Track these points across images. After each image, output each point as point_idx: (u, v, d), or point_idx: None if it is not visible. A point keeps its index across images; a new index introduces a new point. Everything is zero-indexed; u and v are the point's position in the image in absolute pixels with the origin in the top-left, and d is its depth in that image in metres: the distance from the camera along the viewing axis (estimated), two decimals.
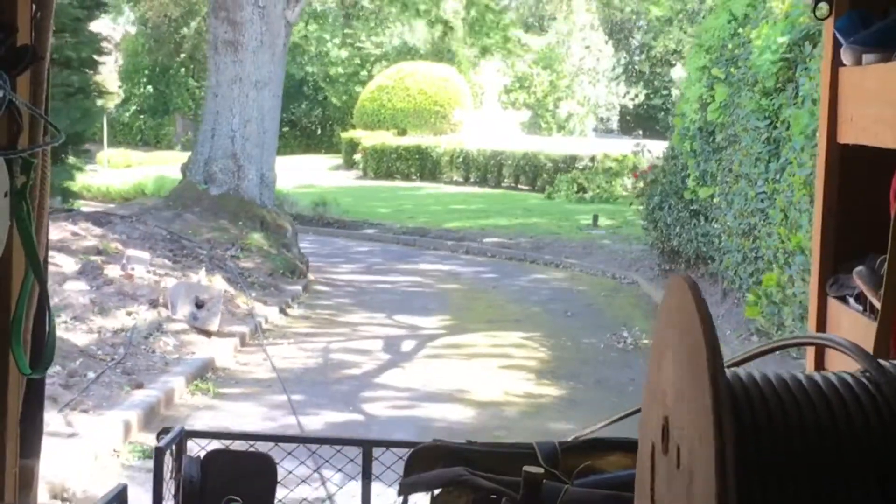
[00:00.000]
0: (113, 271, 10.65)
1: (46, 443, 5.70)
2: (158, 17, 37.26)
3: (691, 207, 12.75)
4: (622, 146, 26.81)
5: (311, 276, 14.40)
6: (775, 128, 8.92)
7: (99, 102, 16.19)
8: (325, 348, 10.43)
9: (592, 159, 25.38)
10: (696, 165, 12.10)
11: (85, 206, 17.65)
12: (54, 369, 7.77)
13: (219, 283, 11.35)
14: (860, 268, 2.36)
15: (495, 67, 37.96)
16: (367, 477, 2.75)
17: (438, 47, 34.59)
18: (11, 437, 2.32)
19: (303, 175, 27.22)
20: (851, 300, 2.51)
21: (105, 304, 9.57)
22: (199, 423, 7.67)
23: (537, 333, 11.50)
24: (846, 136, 2.57)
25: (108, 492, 2.40)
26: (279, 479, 2.69)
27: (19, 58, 2.17)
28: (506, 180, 27.25)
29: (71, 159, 15.48)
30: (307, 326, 11.57)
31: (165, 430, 2.67)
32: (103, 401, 7.38)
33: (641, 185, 16.56)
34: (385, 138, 30.68)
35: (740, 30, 11.03)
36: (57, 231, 12.14)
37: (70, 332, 8.65)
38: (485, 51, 20.04)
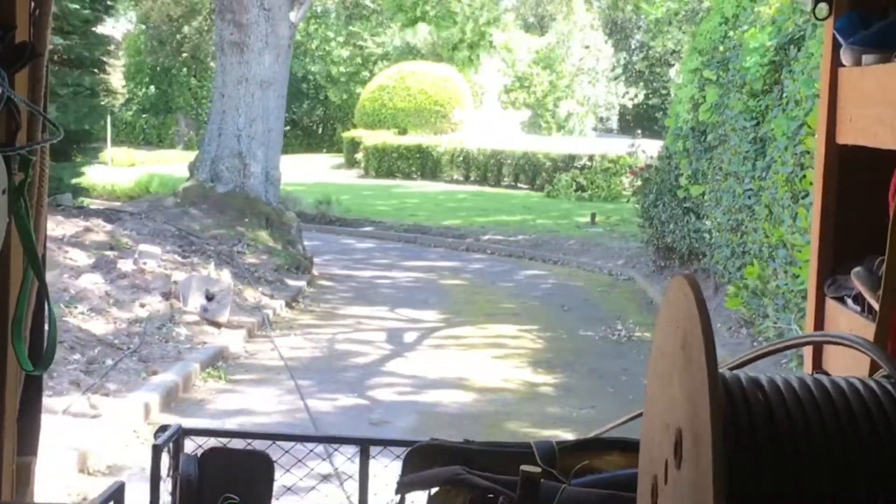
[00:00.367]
0: (125, 265, 11.05)
1: (72, 422, 6.15)
2: (160, 17, 37.56)
3: (684, 205, 13.16)
4: (621, 146, 27.20)
5: (315, 272, 14.80)
6: (762, 128, 9.32)
7: (105, 102, 16.55)
8: (330, 339, 10.83)
9: (591, 159, 25.78)
10: (689, 164, 12.52)
11: (91, 204, 18.04)
12: (74, 356, 8.19)
13: (226, 277, 11.74)
14: (858, 269, 2.37)
15: (496, 67, 38.32)
16: (364, 475, 2.75)
17: (439, 48, 34.94)
18: (9, 434, 2.31)
19: (305, 174, 27.58)
20: (849, 301, 2.51)
21: (119, 296, 9.99)
22: (213, 405, 8.11)
23: (535, 326, 11.90)
24: (845, 137, 2.56)
25: (105, 490, 2.41)
26: (276, 476, 2.68)
27: (18, 55, 2.18)
28: (505, 179, 27.63)
29: (80, 157, 15.85)
30: (312, 319, 11.97)
31: (163, 428, 2.68)
32: (122, 385, 7.80)
33: (639, 183, 16.97)
34: (386, 138, 31.04)
35: (731, 33, 11.44)
36: (69, 227, 12.57)
37: (88, 323, 9.07)
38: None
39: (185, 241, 13.43)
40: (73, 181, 15.56)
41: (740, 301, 8.86)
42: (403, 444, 2.55)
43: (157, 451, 2.58)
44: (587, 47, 43.70)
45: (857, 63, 2.48)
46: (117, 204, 19.27)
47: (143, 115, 38.56)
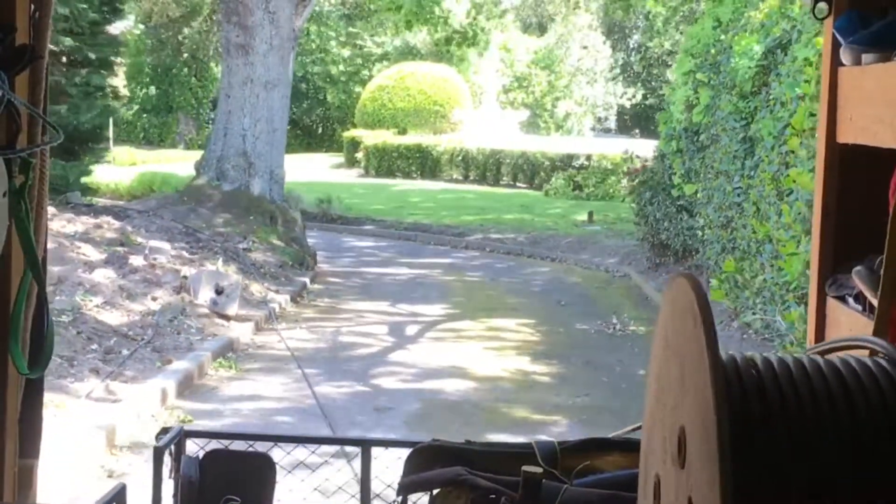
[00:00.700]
0: (136, 261, 11.43)
1: (95, 405, 6.54)
2: (160, 18, 37.84)
3: (678, 203, 13.55)
4: (619, 145, 27.56)
5: (318, 269, 15.18)
6: (750, 128, 9.70)
7: (113, 102, 16.92)
8: (334, 332, 11.21)
9: (588, 158, 26.16)
10: (682, 164, 12.91)
11: (97, 202, 18.40)
12: (92, 346, 8.57)
13: (233, 273, 12.12)
14: (859, 267, 2.36)
15: (494, 68, 38.70)
16: (366, 476, 2.75)
17: (438, 48, 35.27)
18: (10, 436, 2.30)
19: (305, 173, 27.92)
20: (850, 300, 2.51)
21: (132, 290, 10.36)
22: (225, 392, 8.49)
23: (532, 320, 12.28)
24: (845, 136, 2.56)
25: (107, 492, 2.39)
26: (278, 478, 2.69)
27: (18, 57, 2.19)
28: (504, 178, 28.00)
29: (88, 157, 16.23)
30: (317, 313, 12.34)
31: (164, 430, 2.68)
32: (139, 373, 8.18)
33: (634, 183, 17.35)
34: (386, 137, 31.39)
35: (723, 36, 11.82)
36: (80, 224, 12.96)
37: (103, 315, 9.45)
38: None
39: (193, 238, 13.80)
40: (83, 180, 15.91)
41: (723, 293, 9.25)
42: (405, 444, 2.53)
43: (158, 453, 2.58)
44: (586, 48, 44.09)
45: (857, 62, 2.48)
46: (121, 202, 19.62)
47: (145, 115, 38.81)
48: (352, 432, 7.43)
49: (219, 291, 10.57)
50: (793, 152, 7.85)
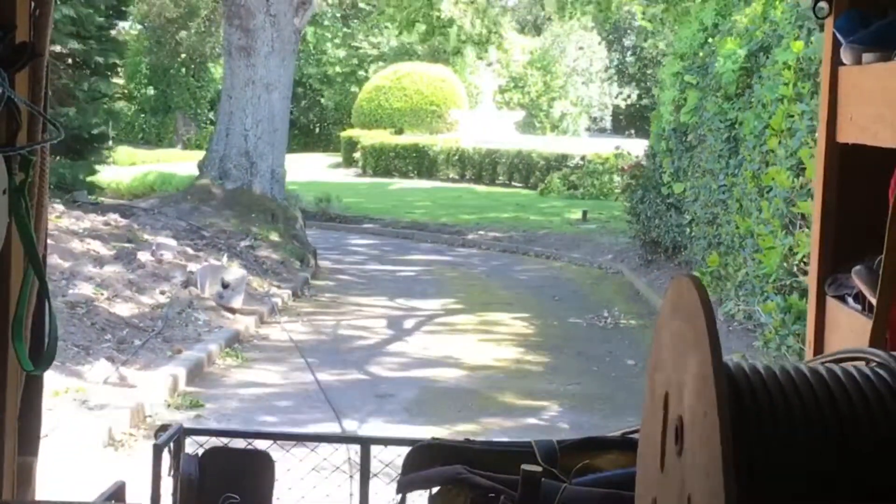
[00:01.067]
0: (144, 256, 11.84)
1: (112, 390, 6.98)
2: (158, 19, 38.15)
3: (667, 201, 13.99)
4: (614, 145, 27.93)
5: (318, 265, 15.59)
6: (734, 128, 10.14)
7: (119, 104, 17.34)
8: (335, 325, 11.63)
9: (583, 158, 26.57)
10: (671, 163, 13.35)
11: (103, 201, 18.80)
12: (105, 336, 9.00)
13: (237, 268, 12.54)
14: (859, 267, 2.37)
15: (490, 68, 39.10)
16: (365, 474, 2.74)
17: (435, 48, 35.65)
18: (10, 433, 2.31)
19: (303, 172, 28.27)
20: (850, 300, 2.51)
21: (141, 284, 10.78)
22: (232, 379, 8.92)
23: (527, 314, 12.70)
24: (846, 136, 2.56)
25: (106, 489, 2.40)
26: (277, 476, 2.69)
27: (18, 55, 2.19)
28: (500, 178, 28.36)
29: (94, 157, 16.65)
30: (318, 307, 12.76)
31: (163, 428, 2.66)
32: (151, 362, 8.61)
33: (627, 180, 17.77)
34: (383, 137, 31.74)
35: (709, 40, 12.25)
36: (88, 221, 13.39)
37: (115, 307, 9.87)
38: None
39: (197, 235, 14.22)
40: (89, 179, 16.34)
41: (706, 285, 9.68)
42: (404, 443, 2.53)
43: (157, 450, 2.57)
44: (581, 48, 44.51)
45: (858, 62, 2.49)
46: (122, 201, 20.01)
47: (142, 115, 39.10)
48: (355, 417, 7.85)
49: (225, 285, 10.99)
50: (772, 151, 8.27)
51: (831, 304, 2.63)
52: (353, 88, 37.86)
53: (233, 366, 9.39)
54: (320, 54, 39.61)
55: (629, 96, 47.13)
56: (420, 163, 29.98)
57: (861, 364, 1.44)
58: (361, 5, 38.46)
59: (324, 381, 8.92)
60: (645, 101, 45.47)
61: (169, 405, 7.84)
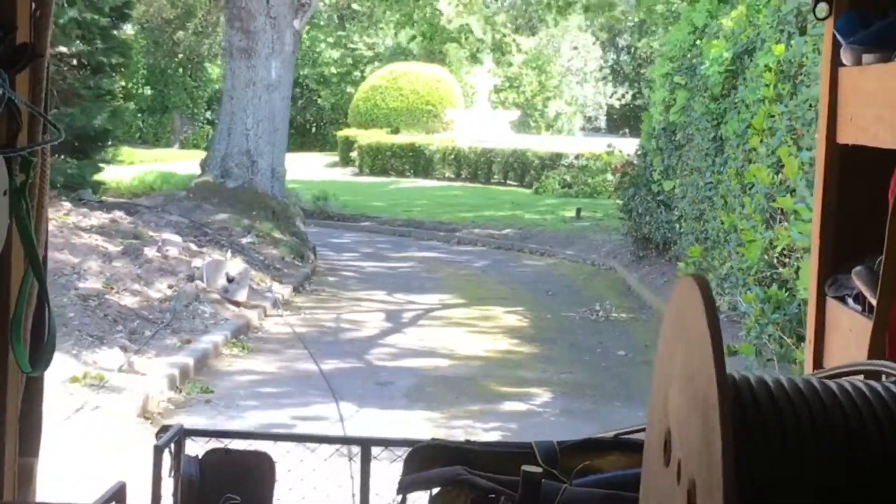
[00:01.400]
0: (150, 252, 12.24)
1: (127, 377, 7.42)
2: (155, 20, 38.42)
3: (658, 198, 14.41)
4: (609, 143, 28.31)
5: (318, 261, 15.99)
6: (720, 128, 10.55)
7: (124, 104, 17.73)
8: (335, 318, 12.04)
9: (577, 157, 26.98)
10: (661, 161, 13.77)
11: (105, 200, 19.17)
12: (118, 328, 9.40)
13: (240, 263, 12.93)
14: (859, 268, 2.37)
15: (486, 68, 39.46)
16: (365, 475, 2.74)
17: (430, 48, 36.01)
18: (11, 434, 2.31)
19: (300, 171, 28.61)
20: (850, 300, 2.52)
21: (148, 278, 11.18)
22: (239, 368, 9.32)
23: (520, 308, 13.10)
24: (846, 137, 2.56)
25: (107, 490, 2.38)
26: (278, 477, 2.69)
27: (18, 56, 2.20)
28: (495, 176, 28.72)
29: (99, 155, 17.05)
30: (318, 302, 13.16)
31: (164, 429, 2.66)
32: (161, 352, 9.02)
33: (620, 178, 18.17)
34: (380, 137, 32.08)
35: (698, 42, 12.66)
36: (95, 219, 13.79)
37: (125, 300, 10.28)
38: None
39: (200, 232, 14.61)
40: (94, 178, 16.74)
41: None
42: (405, 444, 2.54)
43: (158, 452, 2.57)
44: (576, 48, 44.92)
45: (858, 63, 2.49)
46: (122, 199, 20.37)
47: (140, 115, 39.36)
48: (356, 402, 8.26)
49: (230, 279, 11.39)
50: (754, 150, 8.68)
51: (831, 304, 2.63)
52: (349, 89, 38.19)
53: (239, 356, 9.80)
54: (316, 54, 39.94)
55: (623, 96, 47.55)
56: (416, 162, 30.31)
57: (871, 379, 1.43)
58: (356, 6, 38.80)
59: (326, 370, 9.32)
60: (639, 102, 45.86)
61: (180, 390, 8.25)
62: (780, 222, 7.78)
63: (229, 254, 13.06)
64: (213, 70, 40.08)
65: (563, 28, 43.67)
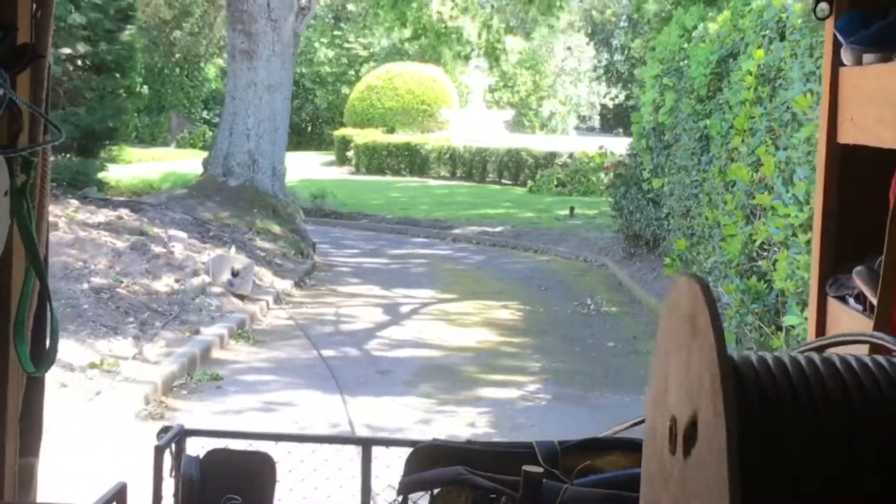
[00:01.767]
0: (157, 248, 12.67)
1: (141, 365, 7.89)
2: (152, 19, 38.72)
3: (648, 196, 14.87)
4: (601, 144, 28.72)
5: (317, 258, 16.42)
6: (706, 128, 11.00)
7: (128, 104, 18.16)
8: (335, 312, 12.48)
9: (571, 156, 27.41)
10: (651, 160, 14.23)
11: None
12: (129, 319, 9.83)
13: (244, 258, 13.37)
14: (860, 267, 2.37)
15: (481, 68, 39.87)
16: (366, 475, 2.74)
17: (425, 49, 36.36)
18: (11, 435, 2.31)
19: (297, 170, 28.96)
20: (851, 300, 2.52)
21: (156, 273, 11.62)
22: (245, 358, 9.76)
23: (514, 302, 13.55)
24: (846, 137, 2.56)
25: (107, 491, 2.37)
26: (278, 477, 2.69)
27: (19, 56, 2.19)
28: (490, 175, 29.14)
29: (104, 154, 17.48)
30: (318, 296, 13.60)
31: (165, 429, 2.65)
32: (171, 342, 9.47)
33: (611, 176, 18.61)
34: (376, 136, 32.47)
35: (685, 45, 13.11)
36: (102, 216, 14.21)
37: (135, 294, 10.72)
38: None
39: (203, 229, 15.04)
40: (99, 176, 17.19)
41: (675, 269, 10.56)
42: (406, 444, 2.55)
43: (158, 452, 2.56)
44: (569, 48, 45.37)
45: (858, 62, 2.48)
46: (123, 198, 20.75)
47: (136, 114, 39.62)
48: (359, 390, 8.71)
49: (234, 274, 11.83)
50: (736, 149, 9.13)
51: (832, 304, 2.63)
52: (344, 89, 38.56)
53: (244, 346, 10.25)
54: (311, 54, 40.30)
55: (616, 96, 48.01)
56: (412, 161, 30.70)
57: (862, 352, 1.44)
58: (351, 7, 39.19)
59: (329, 360, 9.76)
60: (632, 102, 46.29)
61: (191, 377, 8.69)
62: (759, 218, 8.22)
63: (233, 249, 13.49)
64: (210, 70, 40.48)
65: (557, 28, 44.08)
